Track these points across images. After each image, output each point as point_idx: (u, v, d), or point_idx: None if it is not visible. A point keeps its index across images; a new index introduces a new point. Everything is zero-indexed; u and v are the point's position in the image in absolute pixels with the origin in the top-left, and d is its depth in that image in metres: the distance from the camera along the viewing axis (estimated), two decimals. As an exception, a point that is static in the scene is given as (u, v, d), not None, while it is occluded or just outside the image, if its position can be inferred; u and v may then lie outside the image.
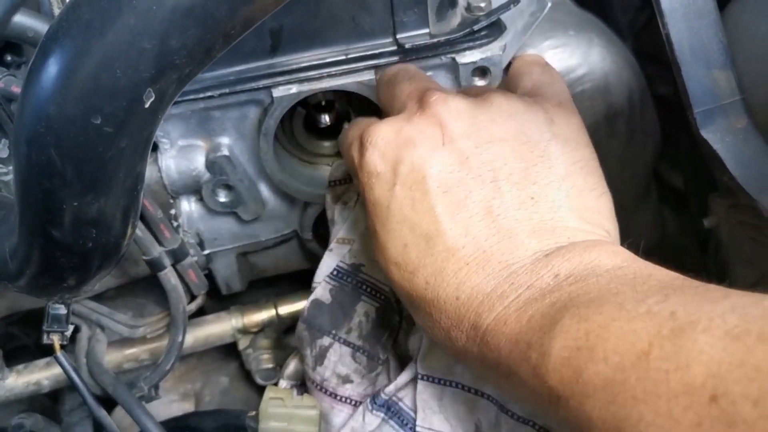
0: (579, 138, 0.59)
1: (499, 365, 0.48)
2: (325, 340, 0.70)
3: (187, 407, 0.91)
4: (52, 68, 0.48)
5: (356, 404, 0.70)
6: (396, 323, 0.71)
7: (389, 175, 0.56)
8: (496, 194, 0.54)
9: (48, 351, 0.76)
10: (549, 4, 0.78)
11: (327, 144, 0.80)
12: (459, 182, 0.54)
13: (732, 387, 0.34)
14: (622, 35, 1.09)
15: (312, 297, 0.71)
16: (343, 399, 0.70)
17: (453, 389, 0.64)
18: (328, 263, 0.71)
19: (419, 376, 0.65)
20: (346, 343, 0.70)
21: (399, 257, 0.55)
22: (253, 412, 0.71)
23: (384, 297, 0.70)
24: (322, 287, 0.71)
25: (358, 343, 0.70)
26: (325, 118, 0.79)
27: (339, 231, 0.72)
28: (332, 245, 0.72)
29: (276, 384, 0.78)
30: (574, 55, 0.86)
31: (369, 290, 0.70)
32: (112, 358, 0.83)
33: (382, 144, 0.57)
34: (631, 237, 1.06)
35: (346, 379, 0.70)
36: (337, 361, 0.70)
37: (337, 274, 0.71)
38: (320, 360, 0.70)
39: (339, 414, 0.70)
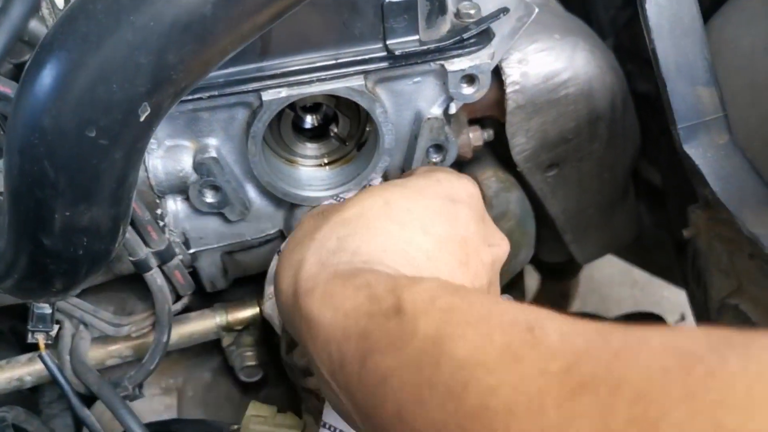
0: None
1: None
2: None
3: (169, 402, 0.92)
4: (46, 79, 0.48)
5: None
6: None
7: None
8: None
9: (24, 338, 0.76)
10: (536, 10, 0.79)
11: (313, 145, 0.80)
12: None
13: (546, 322, 0.40)
14: (603, 33, 1.11)
15: None
16: None
17: None
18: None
19: (323, 423, 0.67)
20: None
21: None
22: (236, 426, 0.72)
23: None
24: None
25: None
26: (312, 120, 0.80)
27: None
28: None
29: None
30: (559, 58, 0.87)
31: None
32: (95, 354, 0.82)
33: None
34: (609, 236, 1.08)
35: None
36: None
37: None
38: None
39: None
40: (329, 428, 0.67)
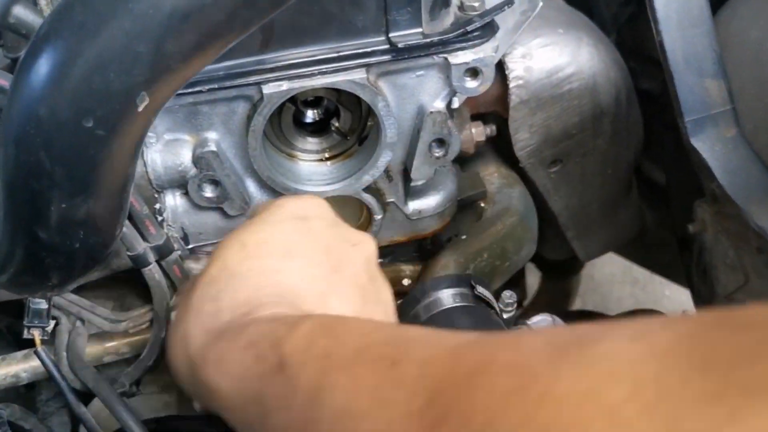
0: None
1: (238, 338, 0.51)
2: None
3: (168, 399, 0.91)
4: (43, 69, 0.47)
5: None
6: None
7: None
8: None
9: (18, 335, 0.76)
10: (540, 4, 0.78)
11: (314, 140, 0.79)
12: None
13: (410, 350, 0.41)
14: (606, 29, 1.10)
15: None
16: None
17: None
18: None
19: None
20: None
21: None
22: None
23: None
24: None
25: None
26: (313, 114, 0.78)
27: None
28: None
29: None
30: (563, 53, 0.86)
31: None
32: (92, 350, 0.81)
33: None
34: (611, 233, 1.08)
35: None
36: None
37: None
38: None
39: None
40: None
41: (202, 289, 0.57)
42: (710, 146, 0.62)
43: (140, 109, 0.48)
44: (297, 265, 0.57)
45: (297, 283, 0.56)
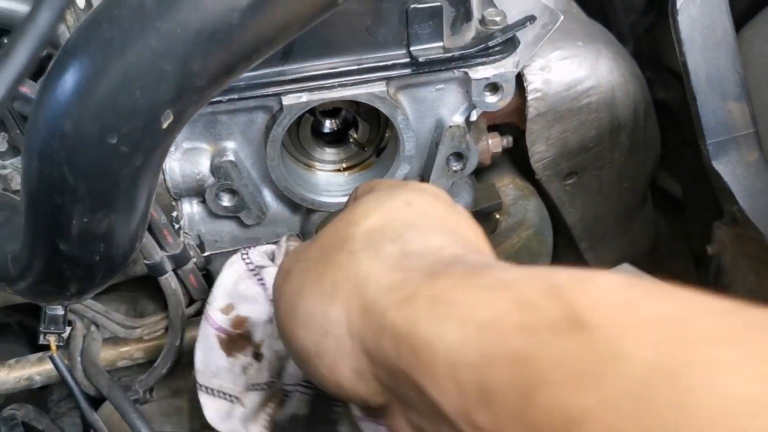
0: None
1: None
2: None
3: (179, 404, 0.91)
4: (68, 84, 0.47)
5: None
6: None
7: None
8: None
9: (31, 334, 0.76)
10: (561, 17, 0.78)
11: (331, 150, 0.79)
12: None
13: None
14: (623, 39, 1.09)
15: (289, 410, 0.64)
16: None
17: None
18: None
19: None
20: None
21: None
22: None
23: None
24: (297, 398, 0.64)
25: None
26: (331, 124, 0.78)
27: None
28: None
29: None
30: (582, 66, 0.86)
31: None
32: (106, 355, 0.82)
33: None
34: (625, 245, 1.07)
35: None
36: None
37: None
38: None
39: None
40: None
41: (370, 233, 0.46)
42: (732, 169, 0.62)
43: (164, 126, 0.48)
44: (457, 235, 0.48)
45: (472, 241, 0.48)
